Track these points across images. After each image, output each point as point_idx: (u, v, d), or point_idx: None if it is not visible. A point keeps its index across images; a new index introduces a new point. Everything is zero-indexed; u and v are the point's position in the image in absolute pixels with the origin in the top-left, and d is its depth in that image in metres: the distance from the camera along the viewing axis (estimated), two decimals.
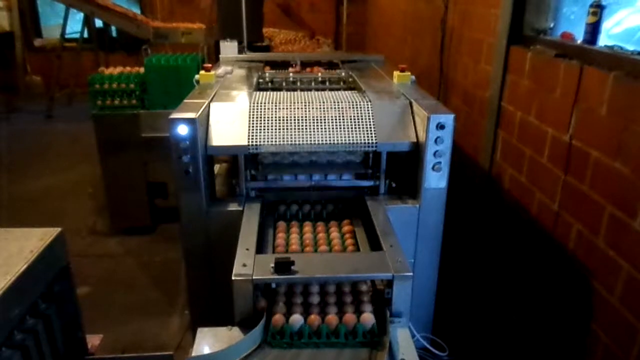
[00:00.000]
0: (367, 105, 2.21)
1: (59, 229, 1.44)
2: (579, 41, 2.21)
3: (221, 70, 2.87)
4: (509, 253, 2.66)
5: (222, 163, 2.92)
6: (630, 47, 1.93)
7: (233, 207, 2.13)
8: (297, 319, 1.55)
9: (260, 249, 1.83)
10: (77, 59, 7.10)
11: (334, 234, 2.03)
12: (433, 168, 2.06)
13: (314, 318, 1.56)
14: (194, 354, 1.51)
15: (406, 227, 2.13)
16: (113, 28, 7.55)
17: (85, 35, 7.22)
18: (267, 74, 2.89)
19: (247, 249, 1.74)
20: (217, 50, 3.77)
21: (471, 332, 2.66)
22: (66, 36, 7.25)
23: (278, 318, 1.55)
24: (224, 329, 1.58)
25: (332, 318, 1.56)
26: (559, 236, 2.19)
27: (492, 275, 2.82)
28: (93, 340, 1.64)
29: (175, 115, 1.99)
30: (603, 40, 2.09)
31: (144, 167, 3.57)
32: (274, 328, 1.54)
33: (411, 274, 1.58)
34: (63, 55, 7.22)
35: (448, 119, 2.01)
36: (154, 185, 3.67)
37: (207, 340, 1.54)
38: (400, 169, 2.25)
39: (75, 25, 7.40)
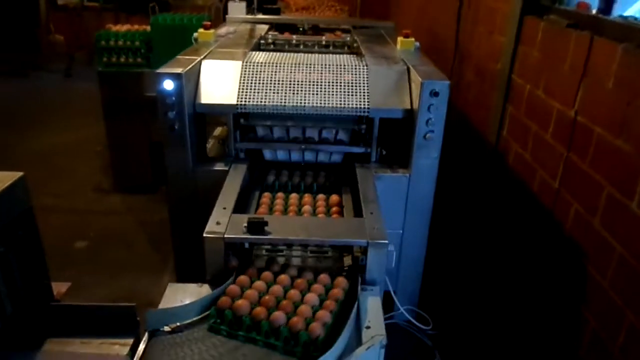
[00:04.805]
0: (363, 69, 2.13)
1: (20, 174, 1.42)
2: (594, 11, 2.08)
3: (223, 29, 2.80)
4: (510, 231, 2.57)
5: (224, 126, 2.88)
6: None
7: (219, 167, 2.10)
8: (244, 306, 1.36)
9: (242, 211, 1.79)
10: (97, 19, 7.10)
11: (320, 201, 1.98)
12: (425, 137, 1.98)
13: (260, 311, 1.35)
14: (160, 306, 1.50)
15: (396, 197, 2.07)
16: None
17: None
18: (269, 35, 2.81)
19: (224, 208, 1.71)
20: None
21: (459, 307, 2.60)
22: None
23: (224, 300, 1.40)
24: (194, 286, 1.57)
25: (278, 315, 1.33)
26: (558, 215, 2.10)
27: (490, 251, 2.75)
28: (60, 288, 1.64)
29: (162, 70, 1.95)
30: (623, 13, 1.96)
31: (147, 127, 3.55)
32: (217, 309, 1.38)
33: (387, 241, 1.53)
34: (84, 15, 7.23)
35: (443, 85, 1.92)
36: (157, 145, 3.65)
37: (175, 296, 1.53)
38: (394, 137, 2.18)
39: None
